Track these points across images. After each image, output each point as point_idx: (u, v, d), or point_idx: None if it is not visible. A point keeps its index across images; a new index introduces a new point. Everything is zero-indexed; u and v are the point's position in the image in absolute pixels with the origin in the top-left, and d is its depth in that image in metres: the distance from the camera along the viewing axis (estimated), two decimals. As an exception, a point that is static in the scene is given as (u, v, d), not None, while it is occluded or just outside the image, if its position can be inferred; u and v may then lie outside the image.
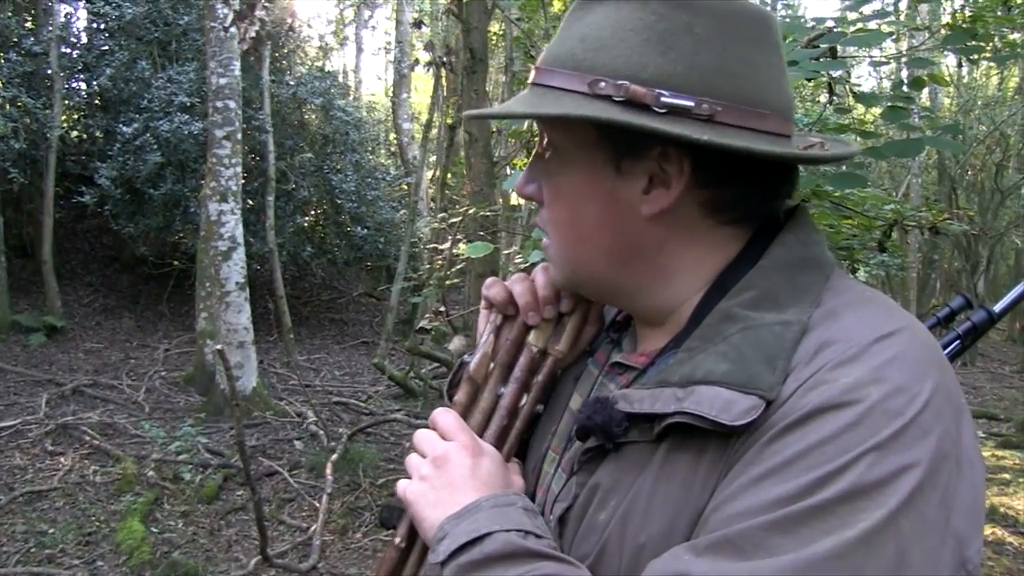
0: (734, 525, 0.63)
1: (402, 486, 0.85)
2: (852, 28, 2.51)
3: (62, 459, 6.01)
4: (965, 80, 16.49)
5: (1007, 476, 7.02)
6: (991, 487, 6.58)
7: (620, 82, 0.73)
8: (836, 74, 2.56)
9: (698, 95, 0.73)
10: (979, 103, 16.18)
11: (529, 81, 0.82)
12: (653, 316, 0.85)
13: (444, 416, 0.88)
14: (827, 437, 0.63)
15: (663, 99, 0.72)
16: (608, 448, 0.77)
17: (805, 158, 0.80)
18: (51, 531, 4.89)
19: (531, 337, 0.93)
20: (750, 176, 0.78)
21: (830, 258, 0.80)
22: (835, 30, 2.47)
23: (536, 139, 0.90)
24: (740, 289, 0.77)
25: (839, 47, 2.44)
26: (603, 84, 0.74)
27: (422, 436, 0.87)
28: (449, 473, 0.82)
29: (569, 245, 0.84)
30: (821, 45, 2.41)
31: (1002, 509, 5.94)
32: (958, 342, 1.12)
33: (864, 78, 18.07)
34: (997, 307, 1.13)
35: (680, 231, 0.80)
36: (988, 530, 5.51)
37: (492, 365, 0.93)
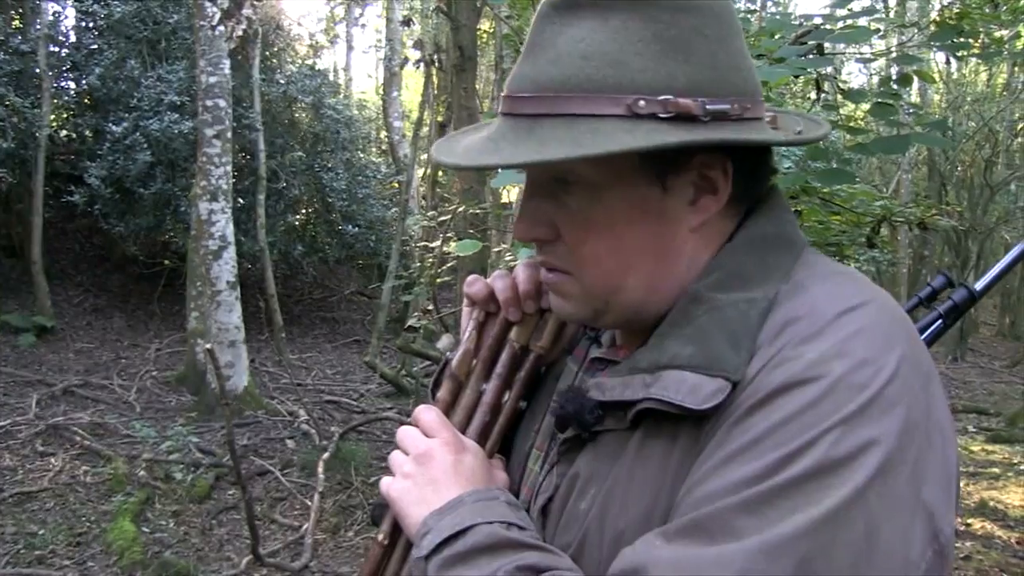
0: (703, 508, 0.64)
1: (385, 483, 0.85)
2: (840, 25, 2.52)
3: (52, 460, 5.98)
4: (954, 76, 16.56)
5: (996, 470, 7.05)
6: (981, 481, 6.62)
7: (662, 97, 0.70)
8: (824, 71, 2.56)
9: (727, 96, 0.73)
10: (968, 99, 16.24)
11: (516, 112, 0.75)
12: (655, 320, 0.82)
13: (426, 413, 0.88)
14: (791, 414, 0.63)
15: (707, 107, 0.71)
16: (585, 437, 0.77)
17: (815, 139, 0.83)
18: (41, 532, 4.86)
19: (513, 333, 0.93)
20: (760, 166, 0.80)
21: (801, 237, 0.80)
22: (823, 27, 2.48)
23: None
24: (709, 270, 0.77)
25: (827, 44, 2.45)
26: (642, 103, 0.70)
27: (405, 433, 0.87)
28: (432, 470, 0.82)
29: (609, 277, 0.78)
30: (809, 42, 2.41)
31: (991, 503, 5.97)
32: (940, 321, 1.11)
33: (854, 74, 18.13)
34: (978, 285, 1.12)
35: (708, 233, 0.79)
36: (978, 524, 5.55)
37: (474, 362, 0.94)
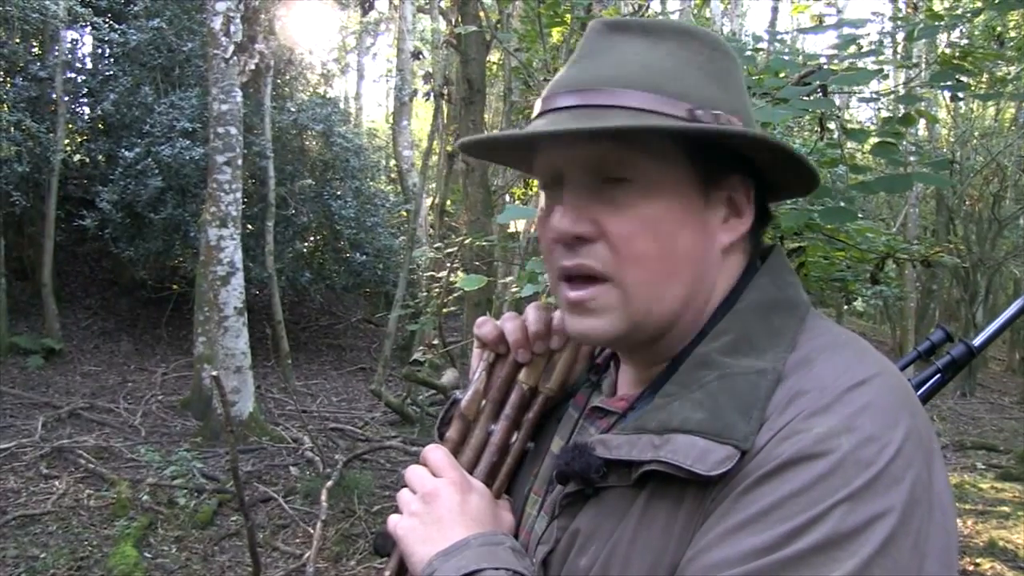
0: None
1: (393, 521, 0.86)
2: (843, 64, 2.55)
3: (56, 483, 5.98)
4: (962, 111, 16.62)
5: (1006, 509, 6.96)
6: (990, 520, 6.53)
7: (715, 111, 0.76)
8: (827, 111, 2.59)
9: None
10: (976, 134, 16.28)
11: (577, 104, 0.76)
12: (660, 360, 0.83)
13: (434, 452, 0.89)
14: (801, 488, 0.64)
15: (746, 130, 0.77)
16: (588, 493, 0.78)
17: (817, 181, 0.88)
18: (43, 556, 4.85)
19: (522, 375, 0.95)
20: (766, 210, 0.86)
21: (804, 299, 0.82)
22: (825, 66, 2.51)
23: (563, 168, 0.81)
24: (717, 333, 0.78)
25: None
26: (700, 112, 0.75)
27: (412, 472, 0.88)
28: (438, 509, 0.83)
29: (653, 282, 0.78)
30: (812, 82, 2.44)
31: (1001, 543, 5.89)
32: (939, 376, 1.13)
33: (861, 108, 18.19)
34: (976, 341, 1.14)
35: (730, 264, 0.83)
36: (987, 564, 5.47)
37: (484, 402, 0.95)
